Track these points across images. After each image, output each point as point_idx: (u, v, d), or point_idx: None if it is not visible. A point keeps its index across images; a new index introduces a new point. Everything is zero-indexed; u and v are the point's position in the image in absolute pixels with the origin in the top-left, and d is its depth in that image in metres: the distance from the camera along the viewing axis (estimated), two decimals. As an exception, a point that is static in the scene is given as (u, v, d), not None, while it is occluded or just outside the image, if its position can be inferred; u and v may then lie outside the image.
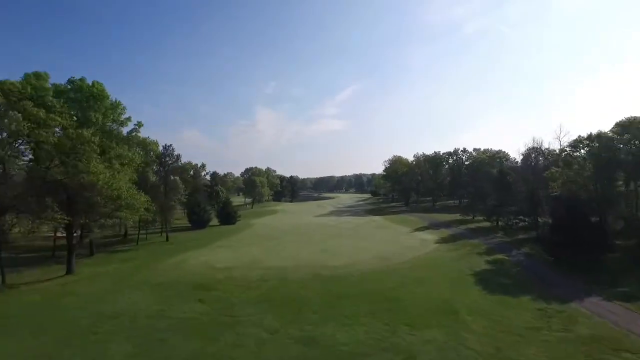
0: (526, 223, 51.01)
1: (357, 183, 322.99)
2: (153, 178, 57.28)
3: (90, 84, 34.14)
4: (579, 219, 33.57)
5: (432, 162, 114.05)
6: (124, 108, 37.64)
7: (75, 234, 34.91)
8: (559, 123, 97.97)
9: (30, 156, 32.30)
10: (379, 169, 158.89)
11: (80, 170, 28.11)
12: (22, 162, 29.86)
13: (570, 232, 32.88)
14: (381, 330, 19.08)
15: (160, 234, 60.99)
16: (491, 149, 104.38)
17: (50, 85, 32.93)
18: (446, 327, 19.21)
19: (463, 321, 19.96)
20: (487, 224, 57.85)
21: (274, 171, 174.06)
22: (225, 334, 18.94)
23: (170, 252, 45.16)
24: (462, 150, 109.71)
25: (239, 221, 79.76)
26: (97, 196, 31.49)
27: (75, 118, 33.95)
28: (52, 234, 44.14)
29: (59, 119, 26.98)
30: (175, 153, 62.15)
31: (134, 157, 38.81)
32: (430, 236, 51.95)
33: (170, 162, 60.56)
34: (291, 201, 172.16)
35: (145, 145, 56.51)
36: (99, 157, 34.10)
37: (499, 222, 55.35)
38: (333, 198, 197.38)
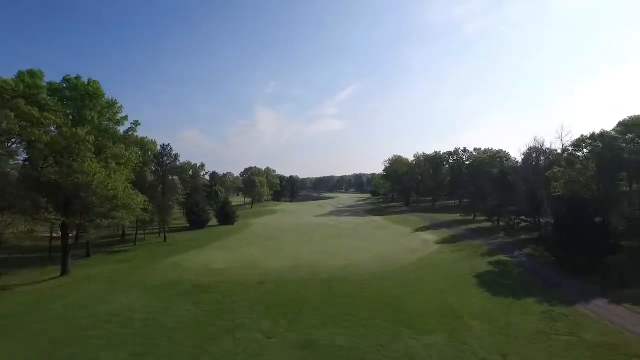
0: (528, 223, 50.47)
1: (357, 183, 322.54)
2: (151, 178, 56.70)
3: (86, 82, 33.56)
4: (582, 219, 33.06)
5: (433, 162, 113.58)
6: (121, 107, 37.05)
7: (70, 235, 34.36)
8: (560, 123, 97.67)
9: (26, 156, 31.79)
10: (379, 169, 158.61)
11: (74, 170, 27.52)
12: (15, 162, 29.23)
13: (573, 232, 32.39)
14: (382, 334, 18.55)
15: (158, 235, 60.44)
16: (492, 149, 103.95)
17: (45, 84, 32.39)
18: (449, 331, 18.67)
19: (466, 325, 19.42)
20: (488, 224, 57.30)
21: (274, 171, 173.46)
22: (222, 338, 18.39)
23: (168, 252, 44.61)
24: (462, 150, 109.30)
25: (238, 221, 79.20)
26: (92, 196, 30.93)
27: (71, 117, 33.50)
28: (49, 235, 43.55)
29: (53, 118, 26.40)
30: (174, 153, 61.50)
31: (131, 156, 38.18)
32: (431, 237, 51.40)
33: (168, 161, 59.97)
34: (291, 201, 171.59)
35: (144, 144, 55.83)
36: (95, 156, 33.56)
37: (500, 223, 54.81)
38: (333, 198, 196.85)
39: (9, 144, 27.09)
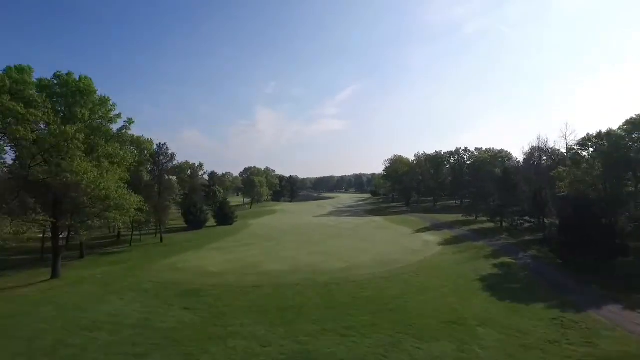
0: (532, 224, 49.43)
1: (357, 183, 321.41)
2: (147, 177, 55.63)
3: (77, 78, 32.45)
4: (588, 219, 32.08)
5: (433, 162, 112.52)
6: (114, 104, 35.86)
7: (61, 236, 33.28)
8: (564, 122, 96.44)
9: (14, 154, 30.66)
10: (379, 169, 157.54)
11: (63, 169, 26.41)
12: (1, 161, 28.11)
13: (579, 233, 31.43)
14: (384, 343, 17.43)
15: (154, 235, 59.30)
16: (493, 149, 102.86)
17: (35, 80, 31.29)
18: (455, 339, 17.56)
19: (473, 332, 18.32)
20: (490, 224, 56.19)
21: (273, 171, 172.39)
22: (213, 347, 17.26)
23: (163, 254, 43.52)
24: (463, 150, 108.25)
25: (237, 222, 78.16)
26: (83, 196, 29.84)
27: (62, 114, 32.38)
28: (41, 236, 42.47)
29: (40, 114, 25.29)
30: (170, 152, 60.36)
31: (125, 155, 37.07)
32: (432, 237, 50.30)
33: (164, 161, 58.84)
34: (290, 201, 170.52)
35: (139, 143, 54.80)
36: (87, 155, 32.45)
37: (503, 223, 53.75)
38: (333, 198, 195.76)
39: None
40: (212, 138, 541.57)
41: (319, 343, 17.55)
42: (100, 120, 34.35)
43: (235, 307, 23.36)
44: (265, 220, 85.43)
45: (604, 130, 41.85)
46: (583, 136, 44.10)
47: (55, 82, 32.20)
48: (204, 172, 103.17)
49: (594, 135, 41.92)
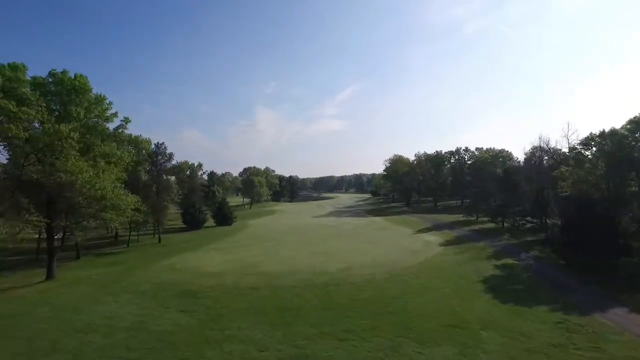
0: (534, 224, 48.90)
1: (357, 183, 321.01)
2: (145, 177, 55.14)
3: (73, 76, 31.96)
4: (591, 219, 31.57)
5: (434, 162, 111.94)
6: (110, 103, 35.35)
7: (56, 237, 32.80)
8: (566, 121, 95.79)
9: (8, 154, 30.15)
10: (379, 168, 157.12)
11: (57, 168, 25.92)
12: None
13: (583, 233, 30.93)
14: (384, 347, 16.93)
15: (152, 236, 58.86)
16: (494, 148, 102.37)
17: (29, 78, 30.82)
18: (458, 343, 17.06)
19: (476, 336, 17.81)
20: (491, 225, 55.68)
21: (273, 171, 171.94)
22: (209, 352, 16.77)
23: (161, 255, 43.02)
24: (464, 150, 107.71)
25: (236, 222, 77.69)
26: (78, 196, 29.35)
27: (56, 113, 31.88)
28: (36, 236, 41.99)
29: (33, 113, 24.79)
30: (168, 151, 59.80)
31: (122, 155, 36.60)
32: (433, 238, 49.77)
33: (162, 160, 58.32)
34: (290, 201, 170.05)
35: (137, 143, 54.42)
36: (82, 155, 31.96)
37: (505, 224, 53.24)
38: (333, 198, 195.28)
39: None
40: (212, 138, 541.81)
41: (317, 347, 17.06)
42: (96, 119, 33.87)
43: (232, 309, 22.87)
44: (265, 220, 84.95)
45: (606, 129, 41.36)
46: (586, 135, 43.54)
47: (50, 80, 31.72)
48: (203, 172, 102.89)
49: (597, 134, 41.38)
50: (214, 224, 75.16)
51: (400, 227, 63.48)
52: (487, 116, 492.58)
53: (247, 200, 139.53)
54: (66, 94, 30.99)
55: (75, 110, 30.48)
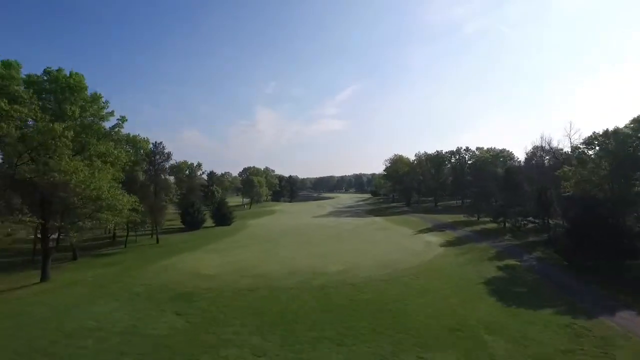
0: (536, 225, 48.34)
1: (357, 183, 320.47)
2: (142, 177, 54.59)
3: (68, 74, 31.40)
4: (596, 220, 31.06)
5: (434, 161, 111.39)
6: (107, 102, 34.84)
7: (51, 237, 32.22)
8: (569, 121, 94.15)
9: (1, 153, 29.60)
10: (379, 168, 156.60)
11: (51, 168, 25.36)
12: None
13: (587, 234, 30.41)
14: (385, 352, 16.39)
15: (151, 236, 58.31)
16: (494, 148, 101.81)
17: (24, 76, 30.28)
18: (462, 348, 16.51)
19: (481, 341, 17.25)
20: (493, 225, 55.10)
21: (273, 171, 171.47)
22: (203, 357, 16.23)
23: (158, 256, 42.45)
24: (464, 149, 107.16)
25: (235, 222, 77.14)
26: (73, 197, 28.78)
27: (51, 111, 31.31)
28: (32, 237, 41.44)
29: (25, 111, 24.23)
30: (166, 151, 59.23)
31: (119, 154, 36.03)
32: (434, 238, 49.21)
33: (160, 160, 57.73)
34: (290, 201, 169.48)
35: (135, 142, 53.91)
36: (78, 154, 31.43)
37: (506, 224, 52.66)
38: (333, 198, 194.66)
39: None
40: (212, 138, 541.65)
41: (315, 352, 16.52)
42: (91, 118, 33.29)
43: (229, 312, 22.31)
44: (264, 220, 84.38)
45: (608, 129, 40.76)
46: (589, 135, 42.91)
47: (45, 78, 31.17)
48: (203, 172, 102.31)
49: (601, 133, 40.77)
50: (213, 224, 74.60)
51: (400, 227, 62.93)
52: (487, 116, 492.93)
53: (246, 200, 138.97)
54: (61, 92, 30.45)
55: (70, 108, 29.92)
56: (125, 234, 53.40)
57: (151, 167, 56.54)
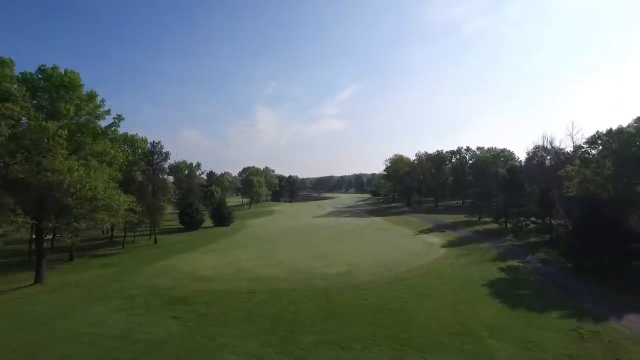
0: (538, 225, 47.76)
1: (357, 183, 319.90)
2: (140, 177, 54.01)
3: (63, 72, 30.83)
4: (600, 220, 30.49)
5: (435, 161, 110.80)
6: (103, 100, 34.26)
7: (46, 238, 31.65)
8: (571, 120, 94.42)
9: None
10: (379, 168, 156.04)
11: (44, 167, 24.78)
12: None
13: (591, 235, 29.82)
14: (387, 357, 15.84)
15: (149, 237, 57.71)
16: (495, 148, 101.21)
17: (18, 74, 29.71)
18: (466, 353, 15.94)
19: (485, 346, 16.68)
20: (494, 225, 54.53)
21: (273, 171, 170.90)
22: (198, 363, 15.67)
23: (155, 257, 41.85)
24: (465, 149, 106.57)
25: (234, 222, 76.56)
26: (67, 197, 28.21)
27: (45, 110, 30.76)
28: (28, 238, 40.82)
29: (17, 109, 23.66)
30: (165, 150, 58.61)
31: (116, 154, 35.47)
32: (436, 239, 48.63)
33: (158, 160, 57.12)
34: (290, 201, 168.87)
35: (133, 142, 53.35)
36: (73, 153, 30.87)
37: (508, 224, 52.09)
38: (333, 198, 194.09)
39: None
40: (212, 138, 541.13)
41: (315, 357, 15.94)
42: (87, 117, 32.70)
43: (227, 315, 21.73)
44: (263, 221, 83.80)
45: (612, 128, 40.18)
46: (592, 134, 42.32)
47: (39, 76, 30.58)
48: (202, 172, 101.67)
49: (604, 133, 40.21)
50: (212, 225, 74.01)
51: (401, 228, 62.36)
52: (487, 116, 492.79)
53: (246, 200, 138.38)
54: (55, 91, 29.88)
55: (65, 107, 29.36)
56: (123, 234, 52.82)
57: (149, 167, 55.92)
